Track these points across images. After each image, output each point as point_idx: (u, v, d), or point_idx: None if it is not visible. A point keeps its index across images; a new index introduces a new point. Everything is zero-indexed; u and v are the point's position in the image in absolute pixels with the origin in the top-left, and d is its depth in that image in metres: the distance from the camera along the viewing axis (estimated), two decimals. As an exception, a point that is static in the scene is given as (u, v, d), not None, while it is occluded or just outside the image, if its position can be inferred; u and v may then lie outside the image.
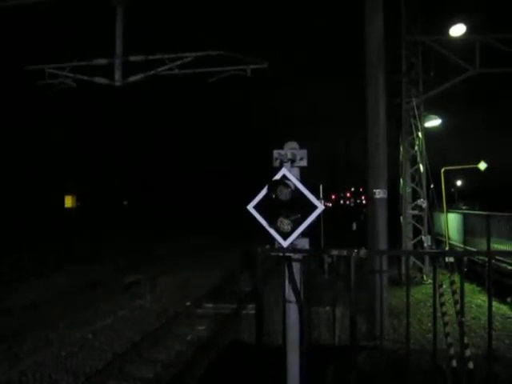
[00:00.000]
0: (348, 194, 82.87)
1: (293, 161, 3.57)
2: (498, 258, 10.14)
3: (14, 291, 12.03)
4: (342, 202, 78.49)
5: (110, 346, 7.99)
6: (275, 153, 3.63)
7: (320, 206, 3.47)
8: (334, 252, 2.85)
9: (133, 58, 9.73)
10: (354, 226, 20.88)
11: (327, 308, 8.75)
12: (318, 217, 3.58)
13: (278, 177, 3.49)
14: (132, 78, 9.79)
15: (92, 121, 37.68)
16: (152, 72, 9.84)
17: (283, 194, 3.35)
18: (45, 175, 34.39)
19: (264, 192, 3.54)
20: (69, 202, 42.77)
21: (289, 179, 3.46)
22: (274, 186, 3.37)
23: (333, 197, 75.34)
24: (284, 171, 3.49)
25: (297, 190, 3.44)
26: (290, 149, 3.63)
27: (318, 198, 3.59)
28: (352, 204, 78.86)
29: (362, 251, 2.72)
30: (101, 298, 11.35)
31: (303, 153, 3.64)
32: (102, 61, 9.84)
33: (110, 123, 39.57)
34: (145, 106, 40.92)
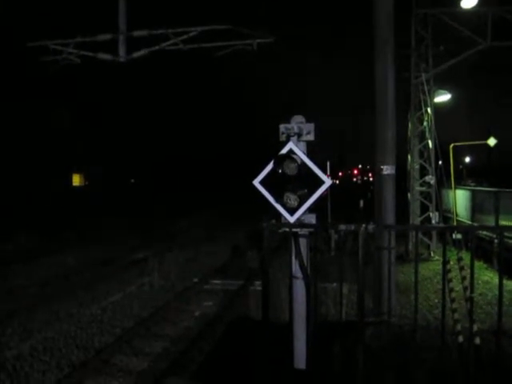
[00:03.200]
0: (355, 172, 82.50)
1: (299, 135, 3.49)
2: (506, 234, 10.07)
3: (23, 269, 12.18)
4: (349, 179, 78.24)
5: (119, 322, 8.09)
6: (282, 127, 3.56)
7: (327, 181, 3.41)
8: (342, 227, 2.81)
9: (137, 33, 9.56)
10: (361, 204, 20.81)
11: (334, 284, 8.77)
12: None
13: (284, 151, 3.43)
14: (136, 54, 9.65)
15: (97, 98, 37.46)
16: (156, 47, 9.69)
17: (290, 169, 3.29)
18: (52, 154, 34.46)
19: (270, 167, 3.48)
20: (76, 180, 42.95)
21: (295, 153, 3.39)
22: (281, 161, 3.31)
23: (340, 174, 75.10)
24: (290, 145, 3.42)
25: (303, 164, 3.38)
26: (297, 123, 3.54)
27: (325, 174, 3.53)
28: (359, 181, 78.53)
29: (371, 226, 2.67)
30: (109, 275, 11.48)
31: (310, 126, 3.56)
32: (106, 36, 9.69)
33: (115, 100, 39.34)
34: (151, 82, 40.56)
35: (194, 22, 9.69)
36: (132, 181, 51.16)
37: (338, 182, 69.81)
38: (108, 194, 36.91)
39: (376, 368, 4.86)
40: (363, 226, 2.64)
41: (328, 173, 13.44)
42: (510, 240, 10.49)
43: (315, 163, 3.42)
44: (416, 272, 3.58)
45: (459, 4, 12.53)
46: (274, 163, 3.38)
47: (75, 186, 42.25)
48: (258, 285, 10.07)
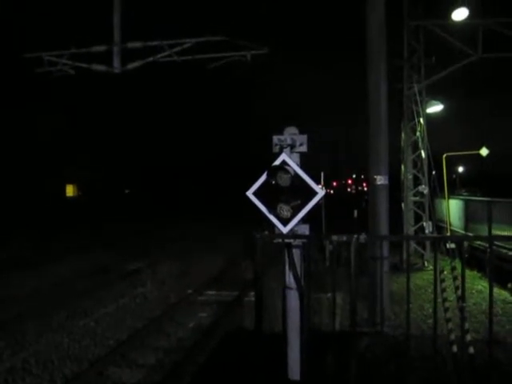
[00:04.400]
0: (349, 181, 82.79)
1: (292, 146, 3.53)
2: (498, 243, 10.14)
3: (16, 279, 12.08)
4: (343, 189, 78.51)
5: (112, 334, 8.03)
6: (275, 138, 3.59)
7: (320, 192, 3.44)
8: (334, 238, 2.83)
9: (131, 45, 9.60)
10: (356, 214, 20.86)
11: (328, 294, 8.77)
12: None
13: (277, 162, 3.45)
14: (131, 65, 9.69)
15: (92, 109, 37.52)
16: (151, 58, 9.74)
17: (283, 180, 3.31)
18: (45, 165, 34.36)
19: (263, 178, 3.51)
20: (70, 190, 42.82)
21: (288, 165, 3.42)
22: (274, 172, 3.33)
23: (334, 184, 75.32)
24: (283, 157, 3.45)
25: (297, 175, 3.41)
26: (290, 134, 3.58)
27: (318, 185, 3.55)
28: (353, 191, 78.78)
29: (362, 236, 2.70)
30: (103, 285, 11.40)
31: (303, 138, 3.60)
32: (101, 48, 9.72)
33: (110, 111, 39.39)
34: (145, 93, 40.64)
35: (188, 33, 9.77)
36: (127, 191, 51.04)
37: (332, 191, 69.99)
38: (102, 205, 36.79)
39: (370, 378, 4.86)
40: (355, 236, 2.67)
41: (322, 183, 13.53)
42: (503, 250, 10.56)
43: (308, 174, 3.46)
44: (408, 281, 3.59)
45: (450, 16, 12.72)
46: (267, 174, 3.41)
47: (69, 197, 42.11)
48: (252, 295, 10.05)
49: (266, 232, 3.43)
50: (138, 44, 9.75)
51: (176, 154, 49.40)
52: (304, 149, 3.61)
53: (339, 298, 9.64)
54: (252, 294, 10.08)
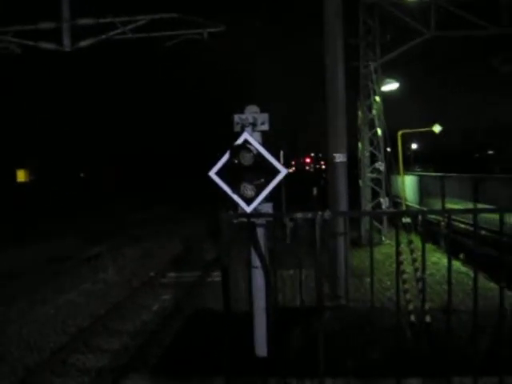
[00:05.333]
0: (308, 160, 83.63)
1: (254, 125, 3.50)
2: (452, 217, 10.58)
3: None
4: (302, 167, 79.27)
5: (73, 321, 7.87)
6: (236, 117, 3.55)
7: (283, 171, 3.44)
8: (299, 215, 2.85)
9: (82, 22, 9.20)
10: (315, 191, 21.17)
11: (291, 271, 8.90)
12: (280, 182, 3.56)
13: (239, 142, 3.42)
14: (82, 43, 9.30)
15: (42, 89, 35.87)
16: (103, 36, 9.37)
17: (245, 159, 3.29)
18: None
19: (226, 158, 3.47)
20: (21, 175, 41.07)
21: (251, 143, 3.40)
22: (236, 151, 3.31)
23: (293, 163, 75.90)
24: (245, 136, 3.42)
25: (259, 154, 3.39)
26: (251, 113, 3.55)
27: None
28: (312, 169, 79.75)
29: (327, 213, 2.73)
30: (62, 272, 11.12)
31: (264, 117, 3.58)
32: (49, 24, 9.26)
33: (63, 92, 37.82)
34: (99, 73, 39.11)
35: (142, 10, 9.44)
36: (81, 175, 49.54)
37: (292, 170, 70.57)
38: (56, 189, 35.59)
39: (334, 350, 5.00)
40: (319, 213, 2.70)
41: (282, 162, 13.55)
42: (456, 222, 11.03)
43: (271, 153, 3.45)
44: (371, 256, 3.68)
45: (404, -6, 12.89)
46: (229, 154, 3.38)
47: (20, 182, 40.42)
48: (215, 276, 10.08)
49: (231, 212, 3.41)
50: (89, 21, 9.35)
51: (132, 136, 48.19)
52: (266, 127, 3.59)
53: (302, 274, 9.83)
54: (215, 274, 10.11)
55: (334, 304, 7.98)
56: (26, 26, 9.43)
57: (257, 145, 3.42)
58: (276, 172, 3.42)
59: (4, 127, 33.46)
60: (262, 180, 3.40)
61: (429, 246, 12.27)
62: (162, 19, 9.31)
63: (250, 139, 3.40)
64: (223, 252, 3.23)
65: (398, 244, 3.30)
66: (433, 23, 12.92)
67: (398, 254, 6.75)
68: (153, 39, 9.62)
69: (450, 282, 3.27)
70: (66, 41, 9.23)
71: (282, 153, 13.98)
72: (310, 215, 2.65)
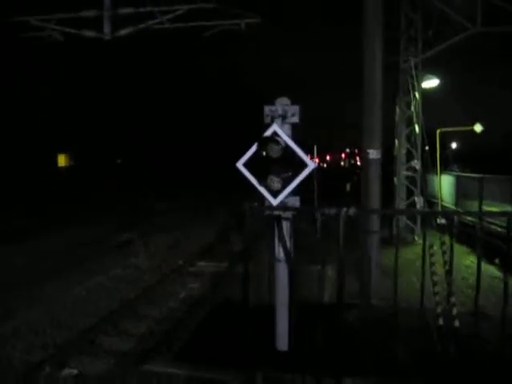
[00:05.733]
0: (343, 155, 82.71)
1: (284, 117, 3.46)
2: (488, 219, 10.22)
3: (7, 251, 12.02)
4: (337, 162, 78.49)
5: (103, 303, 8.08)
6: (266, 109, 3.51)
7: (311, 165, 3.39)
8: (324, 210, 2.81)
9: (122, 11, 9.34)
10: (348, 187, 20.96)
11: (319, 267, 8.83)
12: (311, 176, 3.51)
13: (268, 133, 3.39)
14: (122, 32, 9.44)
15: (83, 76, 36.73)
16: (142, 25, 9.49)
17: (273, 151, 3.26)
18: (36, 133, 33.85)
19: (254, 149, 3.45)
20: (62, 160, 42.32)
21: (279, 136, 3.36)
22: (264, 143, 3.28)
23: (328, 158, 75.24)
24: (274, 127, 3.38)
25: (287, 147, 3.35)
26: (282, 105, 3.50)
27: (311, 157, 3.51)
28: (347, 165, 78.82)
29: (352, 209, 2.67)
30: (94, 257, 11.41)
31: (295, 109, 3.53)
32: (91, 13, 9.46)
33: (101, 79, 38.61)
34: (136, 61, 39.67)
35: (181, 0, 9.50)
36: (119, 161, 50.61)
37: (325, 165, 69.99)
38: (94, 174, 36.53)
39: (357, 348, 4.94)
40: (344, 209, 2.65)
41: (315, 156, 13.47)
42: (492, 225, 10.65)
43: (300, 146, 3.40)
44: (396, 256, 3.61)
45: (450, -12, 12.46)
46: (257, 145, 3.35)
47: (60, 167, 41.68)
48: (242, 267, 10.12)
49: (256, 204, 3.39)
50: (129, 10, 9.50)
51: (169, 124, 48.77)
52: (296, 119, 3.54)
53: (330, 270, 9.74)
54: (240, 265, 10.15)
55: (363, 302, 7.88)
56: (68, 14, 9.66)
57: (285, 137, 3.38)
58: (304, 165, 3.37)
59: (47, 113, 34.52)
60: (290, 173, 3.37)
61: (463, 248, 11.91)
62: (200, 9, 9.35)
63: (279, 131, 3.37)
64: (246, 244, 3.23)
65: (424, 245, 3.20)
66: (479, 18, 12.43)
67: (430, 254, 6.60)
68: (190, 29, 9.67)
69: (478, 286, 3.17)
70: (107, 29, 9.41)
71: (315, 147, 13.85)
72: (334, 211, 2.60)
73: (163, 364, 4.54)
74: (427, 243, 3.80)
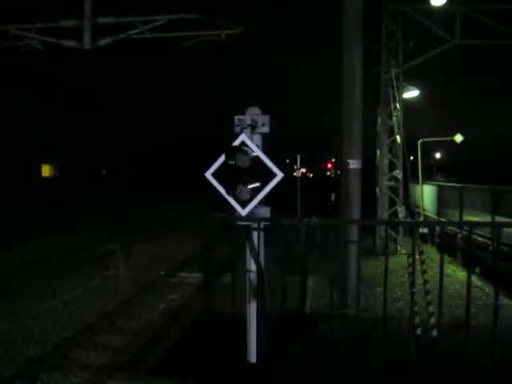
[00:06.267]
0: (329, 165, 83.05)
1: (254, 127, 3.43)
2: (468, 229, 10.29)
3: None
4: (323, 172, 78.80)
5: (80, 316, 7.92)
6: (236, 118, 3.49)
7: (279, 174, 3.37)
8: (285, 221, 2.78)
9: (102, 20, 9.30)
10: (333, 197, 21.00)
11: (300, 277, 8.78)
12: (295, 186, 3.49)
13: (236, 143, 3.36)
14: (102, 42, 9.39)
15: (64, 87, 36.49)
16: (123, 35, 9.45)
17: (242, 161, 3.23)
18: (19, 144, 33.45)
19: (222, 159, 3.42)
20: (46, 170, 41.88)
21: (247, 146, 3.33)
22: (232, 153, 3.25)
23: (315, 168, 75.55)
24: (243, 137, 3.36)
25: (256, 157, 3.32)
26: (252, 114, 3.48)
27: (296, 168, 3.48)
28: (333, 175, 79.11)
29: (314, 220, 2.65)
30: (73, 267, 11.22)
31: (265, 118, 3.51)
32: (70, 22, 9.39)
33: (86, 89, 38.44)
34: (117, 71, 39.53)
35: (161, 10, 9.49)
36: (103, 172, 50.25)
37: (312, 175, 70.24)
38: (78, 185, 36.19)
39: (332, 360, 4.89)
40: (306, 219, 2.62)
41: (298, 165, 13.51)
42: (473, 235, 10.74)
43: (268, 155, 3.38)
44: (386, 267, 3.56)
45: (429, 1, 12.66)
46: (225, 155, 3.32)
47: (45, 177, 41.21)
48: (223, 278, 10.03)
49: (219, 214, 3.35)
50: (109, 20, 9.46)
51: (151, 135, 48.57)
52: (266, 130, 3.52)
53: (311, 281, 9.70)
54: (223, 276, 10.05)
55: (342, 312, 7.84)
56: (48, 24, 9.59)
57: (254, 147, 3.35)
58: (272, 175, 3.34)
59: (31, 124, 34.20)
60: (258, 183, 3.34)
61: (444, 257, 11.97)
62: (181, 20, 9.34)
63: (248, 141, 3.34)
64: (204, 254, 3.17)
65: (414, 255, 3.18)
66: (458, 31, 12.66)
67: (408, 265, 6.58)
68: (171, 39, 9.66)
69: (468, 298, 3.15)
70: (87, 39, 9.35)
71: (298, 157, 13.89)
72: (296, 221, 2.57)
73: (127, 380, 4.44)
74: (414, 252, 3.80)
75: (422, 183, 14.47)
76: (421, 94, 13.99)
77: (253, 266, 3.70)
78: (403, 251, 12.97)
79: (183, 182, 45.67)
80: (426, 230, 13.36)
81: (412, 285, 4.02)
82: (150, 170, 49.68)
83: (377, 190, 13.82)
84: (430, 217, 14.39)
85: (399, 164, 13.52)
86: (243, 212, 3.41)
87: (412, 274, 3.90)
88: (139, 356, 6.30)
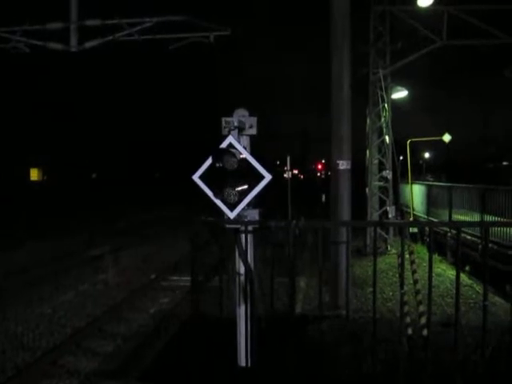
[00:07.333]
0: (320, 166, 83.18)
1: (241, 129, 3.41)
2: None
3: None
4: (314, 173, 78.93)
5: (69, 321, 7.83)
6: (223, 120, 3.46)
7: (267, 176, 3.34)
8: (272, 223, 2.76)
9: (89, 22, 9.21)
10: (323, 198, 21.04)
11: (290, 279, 8.76)
12: (286, 188, 3.47)
13: (223, 145, 3.34)
14: (88, 44, 9.31)
15: (52, 89, 36.22)
16: (110, 37, 9.37)
17: (229, 164, 3.20)
18: (6, 148, 33.11)
19: (209, 161, 3.38)
20: (34, 174, 41.50)
21: (235, 148, 3.31)
22: (219, 155, 3.22)
23: (305, 169, 75.64)
24: (230, 139, 3.33)
25: (244, 159, 3.30)
26: (239, 116, 3.46)
27: (286, 169, 3.46)
28: (323, 176, 79.24)
29: (301, 222, 2.63)
30: (63, 272, 11.10)
31: (252, 120, 3.48)
32: (57, 25, 9.30)
33: (76, 91, 38.19)
34: (106, 73, 39.34)
35: (149, 12, 9.43)
36: (94, 175, 49.93)
37: (303, 176, 70.35)
38: (67, 189, 35.89)
39: (324, 361, 4.88)
40: (293, 222, 2.60)
41: (288, 167, 13.50)
42: (462, 233, 10.80)
43: (256, 157, 3.35)
44: (374, 268, 3.55)
45: (416, 2, 12.73)
46: (212, 157, 3.29)
47: (33, 181, 40.84)
48: (214, 281, 9.98)
49: (207, 217, 3.32)
50: (96, 22, 9.37)
51: (141, 137, 48.33)
52: (253, 131, 3.50)
53: (302, 282, 9.69)
54: (214, 279, 10.00)
55: (334, 314, 7.84)
56: (34, 26, 9.49)
57: (241, 149, 3.33)
58: (261, 177, 3.32)
59: (19, 127, 33.88)
60: (246, 186, 3.31)
61: (435, 257, 12.05)
62: (169, 22, 9.29)
63: (235, 143, 3.31)
64: (193, 258, 3.15)
65: (403, 261, 3.18)
66: (445, 32, 12.74)
67: (398, 265, 6.59)
68: (159, 41, 9.61)
69: (457, 298, 3.14)
70: (73, 41, 9.26)
71: (288, 158, 13.87)
72: (283, 224, 2.55)
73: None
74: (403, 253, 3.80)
75: (412, 183, 14.54)
76: (410, 94, 14.06)
77: (242, 269, 3.67)
78: (394, 251, 13.02)
79: (174, 181, 45.45)
80: (416, 230, 13.45)
81: (401, 286, 4.01)
82: (140, 171, 49.42)
83: (367, 190, 13.85)
84: (419, 216, 14.46)
85: (388, 164, 13.57)
86: (231, 215, 3.39)
87: (401, 275, 3.90)
88: (128, 362, 6.24)
